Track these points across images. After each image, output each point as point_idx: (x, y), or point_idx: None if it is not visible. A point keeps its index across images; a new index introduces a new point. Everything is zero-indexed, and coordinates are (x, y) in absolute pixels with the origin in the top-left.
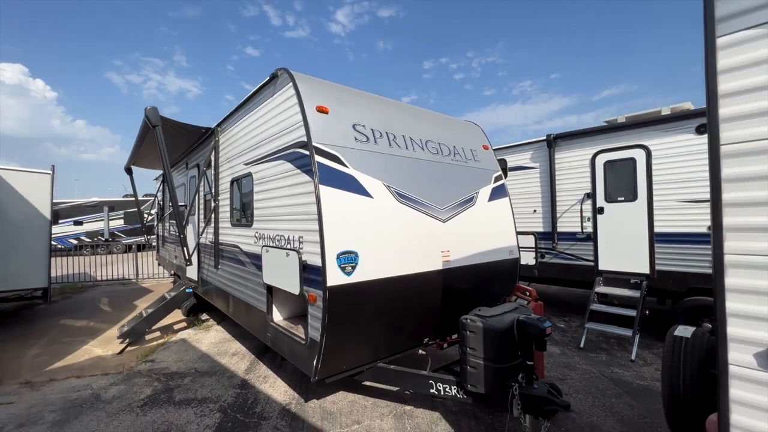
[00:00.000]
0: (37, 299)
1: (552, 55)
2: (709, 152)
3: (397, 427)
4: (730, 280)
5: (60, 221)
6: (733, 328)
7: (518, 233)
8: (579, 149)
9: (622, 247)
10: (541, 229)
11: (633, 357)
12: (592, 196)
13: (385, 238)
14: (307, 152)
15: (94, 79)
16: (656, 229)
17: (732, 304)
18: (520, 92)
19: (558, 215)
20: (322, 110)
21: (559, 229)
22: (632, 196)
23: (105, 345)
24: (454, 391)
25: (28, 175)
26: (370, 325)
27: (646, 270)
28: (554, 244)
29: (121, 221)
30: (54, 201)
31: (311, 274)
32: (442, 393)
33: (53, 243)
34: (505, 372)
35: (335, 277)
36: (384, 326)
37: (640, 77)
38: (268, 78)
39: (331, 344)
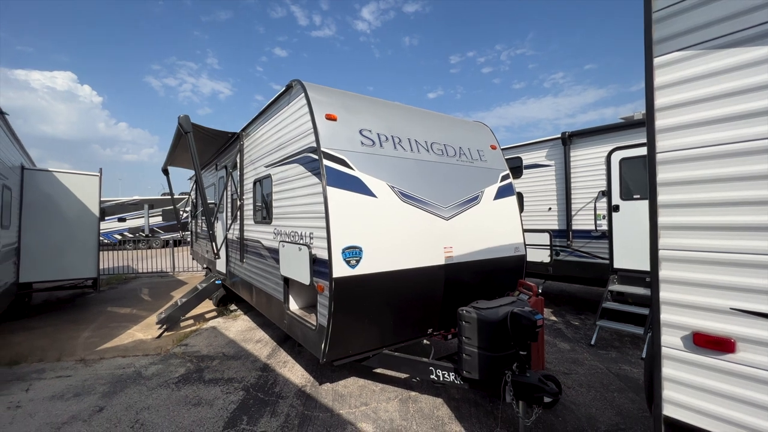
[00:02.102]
0: (87, 288)
1: (586, 44)
2: (647, 159)
3: (401, 409)
4: (664, 272)
5: (106, 218)
6: (665, 315)
7: (531, 231)
8: (594, 147)
9: (638, 244)
10: (556, 227)
11: (643, 355)
12: (607, 193)
13: (388, 234)
14: (316, 157)
15: (134, 83)
16: None
17: (665, 293)
18: (551, 84)
19: (573, 213)
20: (331, 118)
21: (574, 227)
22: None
23: (145, 330)
24: (452, 377)
25: (80, 177)
26: (374, 314)
27: None
28: (569, 242)
29: (160, 218)
30: (101, 199)
31: (320, 266)
32: (441, 379)
33: (100, 238)
34: (498, 360)
35: (341, 269)
36: (388, 316)
37: None
38: (284, 88)
39: (337, 330)
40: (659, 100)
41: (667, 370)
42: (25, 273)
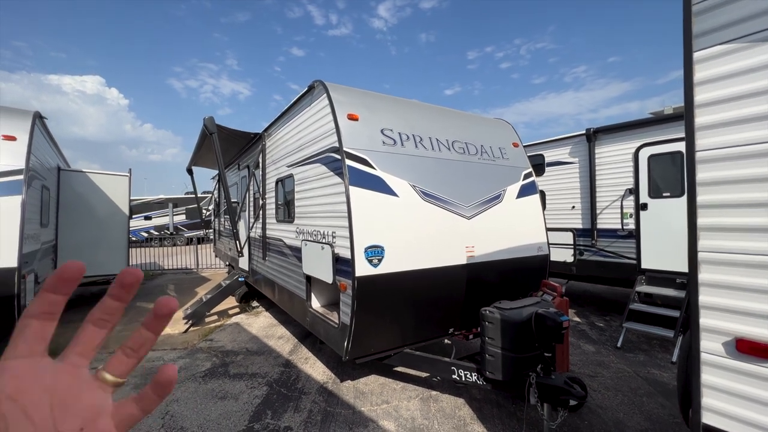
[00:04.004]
0: None
1: (610, 35)
2: (686, 158)
3: (423, 408)
4: (703, 275)
5: (133, 216)
6: (705, 320)
7: (554, 229)
8: (621, 143)
9: (668, 244)
10: (580, 226)
11: (674, 359)
12: (634, 191)
13: (409, 233)
14: (339, 156)
15: (158, 86)
16: None
17: (705, 297)
18: (573, 79)
19: (598, 211)
20: (352, 117)
21: (599, 226)
22: (679, 192)
23: (172, 325)
24: (474, 378)
25: (111, 177)
26: (396, 313)
27: None
28: (594, 241)
29: (184, 216)
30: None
31: (342, 265)
32: (463, 378)
33: (129, 236)
34: (522, 361)
35: (363, 268)
36: (410, 315)
37: None
38: (306, 89)
39: (360, 328)
40: (699, 96)
41: (707, 376)
42: None
